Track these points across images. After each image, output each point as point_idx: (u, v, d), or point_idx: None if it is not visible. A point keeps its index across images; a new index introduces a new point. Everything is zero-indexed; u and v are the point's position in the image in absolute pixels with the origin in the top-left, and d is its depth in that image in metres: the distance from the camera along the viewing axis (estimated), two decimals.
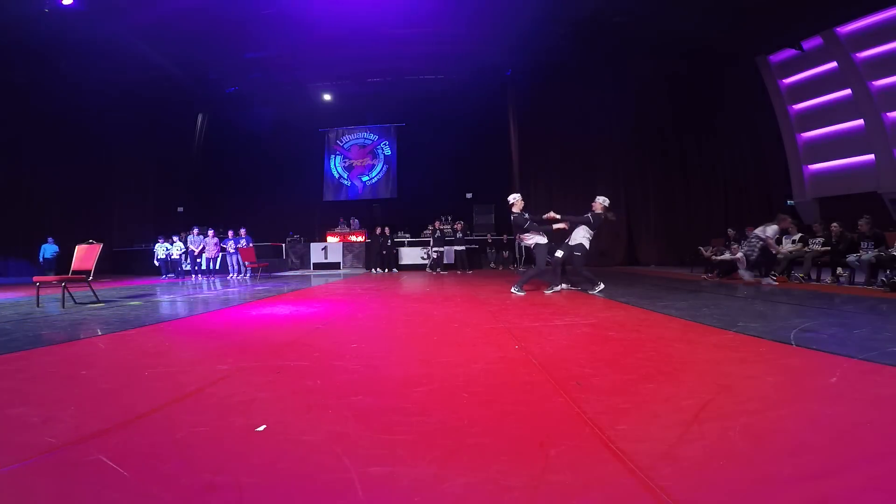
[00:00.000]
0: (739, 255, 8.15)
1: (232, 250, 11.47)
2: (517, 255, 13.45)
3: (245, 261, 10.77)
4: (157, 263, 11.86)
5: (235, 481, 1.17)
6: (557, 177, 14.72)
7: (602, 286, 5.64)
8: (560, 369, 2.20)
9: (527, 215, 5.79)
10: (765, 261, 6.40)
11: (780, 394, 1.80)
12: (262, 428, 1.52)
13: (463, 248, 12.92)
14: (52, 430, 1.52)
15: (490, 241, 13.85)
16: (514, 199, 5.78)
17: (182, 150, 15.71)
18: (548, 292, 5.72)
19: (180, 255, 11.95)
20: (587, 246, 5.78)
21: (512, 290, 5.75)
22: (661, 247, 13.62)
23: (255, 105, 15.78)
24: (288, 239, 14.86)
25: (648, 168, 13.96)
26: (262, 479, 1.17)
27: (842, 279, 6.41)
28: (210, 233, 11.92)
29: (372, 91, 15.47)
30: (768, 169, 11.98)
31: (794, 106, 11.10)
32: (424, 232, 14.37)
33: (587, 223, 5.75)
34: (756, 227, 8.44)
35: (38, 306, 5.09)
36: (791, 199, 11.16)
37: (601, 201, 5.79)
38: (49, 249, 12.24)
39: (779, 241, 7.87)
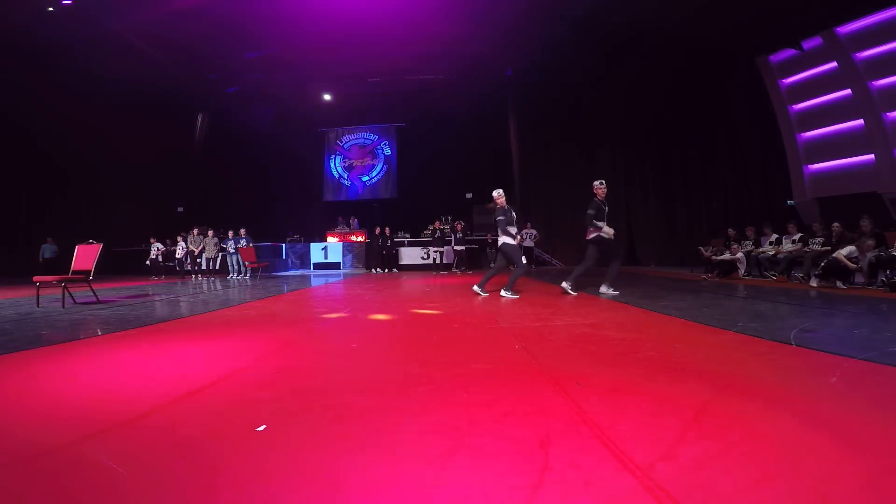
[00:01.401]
0: (739, 255, 8.15)
1: (232, 250, 11.47)
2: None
3: (245, 261, 10.77)
4: (148, 263, 11.84)
5: (235, 481, 1.17)
6: (557, 176, 14.72)
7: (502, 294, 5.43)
8: (560, 369, 2.20)
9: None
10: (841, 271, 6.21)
11: (780, 394, 1.80)
12: (262, 428, 1.52)
13: (463, 247, 12.92)
14: (52, 430, 1.52)
15: (490, 240, 13.85)
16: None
17: (182, 150, 15.70)
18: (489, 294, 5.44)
19: (182, 254, 11.95)
20: (512, 242, 5.46)
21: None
22: (661, 247, 13.62)
23: (255, 105, 15.77)
24: (288, 239, 14.87)
25: (648, 168, 13.96)
26: (262, 479, 1.17)
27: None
28: (210, 233, 11.92)
29: (372, 91, 15.46)
30: (768, 169, 11.98)
31: (794, 106, 11.10)
32: (424, 232, 14.36)
33: (503, 223, 5.48)
34: (755, 227, 8.46)
35: (38, 306, 5.09)
36: (791, 199, 11.15)
37: (498, 194, 5.54)
38: (49, 249, 12.24)
39: (779, 242, 7.89)
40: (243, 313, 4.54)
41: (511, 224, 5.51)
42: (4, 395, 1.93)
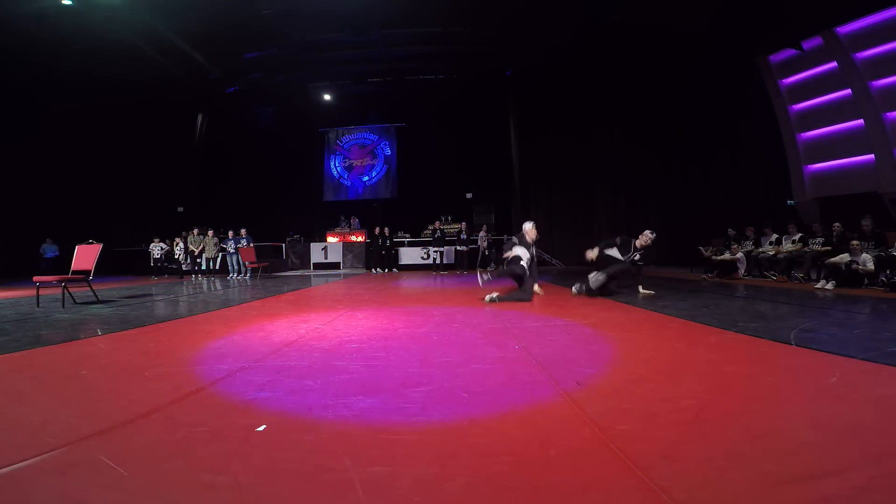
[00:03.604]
0: (739, 255, 8.16)
1: (232, 250, 11.47)
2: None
3: (245, 261, 10.77)
4: (152, 264, 11.85)
5: (235, 481, 1.17)
6: (557, 177, 14.72)
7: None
8: (560, 369, 2.20)
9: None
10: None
11: (780, 394, 1.80)
12: (262, 428, 1.52)
13: (464, 248, 12.96)
14: (52, 430, 1.52)
15: (490, 241, 13.84)
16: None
17: (182, 150, 15.69)
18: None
19: (180, 254, 11.95)
20: (522, 255, 5.36)
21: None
22: (661, 247, 13.59)
23: (255, 105, 15.76)
24: (288, 239, 14.86)
25: (648, 168, 13.96)
26: (262, 479, 1.17)
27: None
28: (210, 233, 11.92)
29: (372, 91, 15.46)
30: (768, 169, 11.96)
31: (794, 106, 11.07)
32: (424, 232, 14.36)
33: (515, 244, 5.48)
34: (755, 227, 8.47)
35: (38, 306, 5.08)
36: (791, 199, 11.14)
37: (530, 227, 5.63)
38: (49, 249, 12.24)
39: (779, 242, 7.89)
40: (244, 312, 4.54)
41: (516, 246, 5.35)
42: (5, 395, 1.93)
